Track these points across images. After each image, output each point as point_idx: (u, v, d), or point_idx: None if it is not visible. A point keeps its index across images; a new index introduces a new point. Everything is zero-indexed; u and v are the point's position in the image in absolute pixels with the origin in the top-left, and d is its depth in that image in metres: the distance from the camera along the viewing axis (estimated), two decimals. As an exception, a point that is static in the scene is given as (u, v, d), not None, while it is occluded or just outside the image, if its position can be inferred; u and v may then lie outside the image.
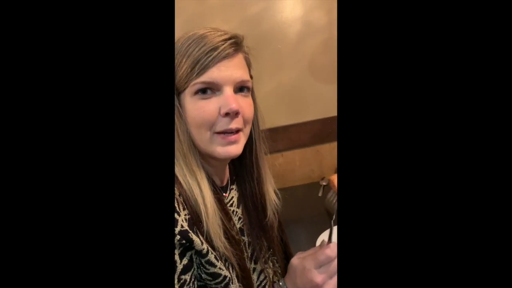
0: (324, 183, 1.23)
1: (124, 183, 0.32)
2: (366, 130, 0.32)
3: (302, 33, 1.18)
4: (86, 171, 0.31)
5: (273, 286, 0.54)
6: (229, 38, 0.52)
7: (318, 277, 0.51)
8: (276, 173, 1.26)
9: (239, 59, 0.54)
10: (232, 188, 0.65)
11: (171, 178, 0.37)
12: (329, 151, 1.30)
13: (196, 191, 0.51)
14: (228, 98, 0.51)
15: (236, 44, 0.53)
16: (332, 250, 0.54)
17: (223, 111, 0.50)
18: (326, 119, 1.27)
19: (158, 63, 0.34)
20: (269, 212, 0.65)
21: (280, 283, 0.55)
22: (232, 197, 0.64)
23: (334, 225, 0.62)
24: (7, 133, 0.29)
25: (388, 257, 0.31)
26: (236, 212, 0.63)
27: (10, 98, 0.29)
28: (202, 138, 0.52)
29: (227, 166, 0.65)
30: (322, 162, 1.28)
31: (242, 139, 0.55)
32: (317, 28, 1.18)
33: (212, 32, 0.52)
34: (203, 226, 0.50)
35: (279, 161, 1.28)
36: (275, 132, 1.24)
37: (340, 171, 0.34)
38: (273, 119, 1.23)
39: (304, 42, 1.19)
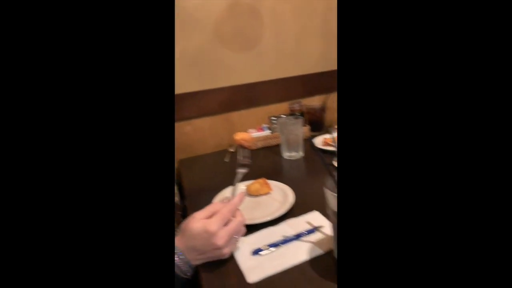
0: (231, 150, 1.25)
1: (123, 169, 0.32)
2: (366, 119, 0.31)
3: (207, -4, 1.14)
4: (86, 169, 0.31)
5: None
6: None
7: (220, 240, 0.54)
8: (186, 142, 1.25)
9: None
10: None
11: (171, 170, 0.37)
12: (238, 119, 1.32)
13: None
14: None
15: None
16: (235, 202, 0.59)
17: None
18: (235, 87, 1.28)
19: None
20: None
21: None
22: None
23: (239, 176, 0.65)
24: (7, 133, 0.29)
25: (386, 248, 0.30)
26: None
27: (10, 98, 0.29)
28: None
29: None
30: (231, 129, 1.29)
31: None
32: (221, -8, 1.15)
33: None
34: None
35: (187, 129, 1.25)
36: (181, 99, 1.20)
37: (340, 166, 0.32)
38: (179, 85, 1.19)
39: (209, 4, 1.15)
